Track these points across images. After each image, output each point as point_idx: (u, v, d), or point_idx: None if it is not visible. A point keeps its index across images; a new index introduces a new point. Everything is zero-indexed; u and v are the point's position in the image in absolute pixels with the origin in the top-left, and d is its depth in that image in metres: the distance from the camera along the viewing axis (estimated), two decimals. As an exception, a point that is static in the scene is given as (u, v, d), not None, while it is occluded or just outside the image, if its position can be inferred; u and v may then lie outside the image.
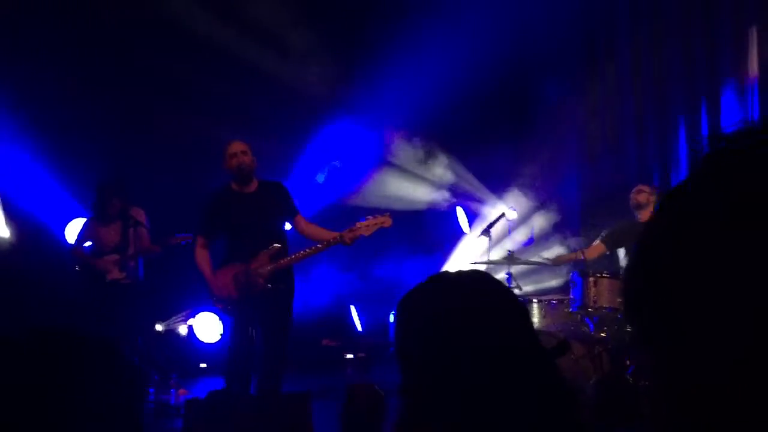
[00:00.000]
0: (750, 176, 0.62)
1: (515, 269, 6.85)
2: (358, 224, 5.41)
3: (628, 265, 0.71)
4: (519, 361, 1.24)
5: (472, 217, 8.87)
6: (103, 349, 1.20)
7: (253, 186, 5.65)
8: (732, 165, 0.65)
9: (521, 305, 1.35)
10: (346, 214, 8.67)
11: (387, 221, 5.44)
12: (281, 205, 5.68)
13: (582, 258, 6.43)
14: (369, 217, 5.46)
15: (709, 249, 0.62)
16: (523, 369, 1.24)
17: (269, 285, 5.39)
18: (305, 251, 5.55)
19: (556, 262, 6.82)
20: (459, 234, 8.88)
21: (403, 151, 9.33)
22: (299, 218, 5.72)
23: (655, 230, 0.68)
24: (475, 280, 1.34)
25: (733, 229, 0.61)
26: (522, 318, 1.31)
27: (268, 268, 5.41)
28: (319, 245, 5.54)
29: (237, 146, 5.63)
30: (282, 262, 5.44)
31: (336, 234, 5.46)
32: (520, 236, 8.37)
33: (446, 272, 1.38)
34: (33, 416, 1.09)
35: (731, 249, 0.61)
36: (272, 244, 5.45)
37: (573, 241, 7.76)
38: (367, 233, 5.39)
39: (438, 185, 9.28)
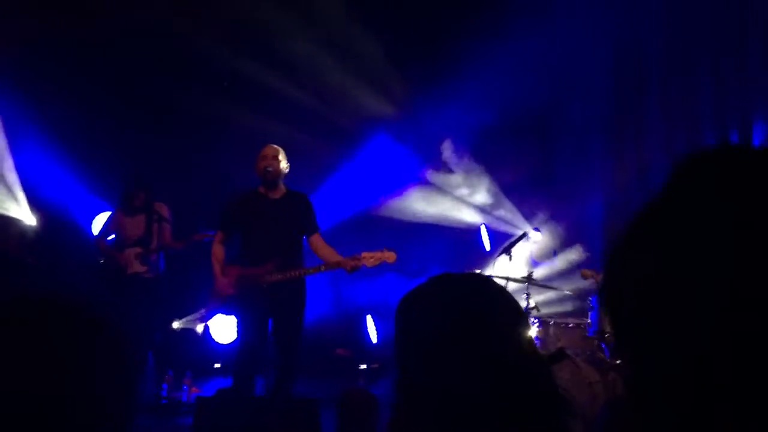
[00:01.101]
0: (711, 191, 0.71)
1: (535, 290, 6.82)
2: (363, 254, 5.47)
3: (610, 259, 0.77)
4: (512, 367, 1.24)
5: (498, 237, 8.84)
6: (97, 321, 1.19)
7: (279, 193, 5.74)
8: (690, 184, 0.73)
9: (519, 311, 1.35)
10: (373, 226, 8.78)
11: (391, 257, 5.50)
12: (302, 217, 5.75)
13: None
14: (376, 250, 5.50)
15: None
16: (516, 375, 1.24)
17: (266, 290, 5.46)
18: (308, 269, 5.64)
19: (585, 275, 6.70)
20: (483, 252, 8.86)
21: (439, 169, 9.37)
22: (317, 236, 5.78)
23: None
24: (474, 284, 1.35)
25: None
26: (519, 324, 1.31)
27: (273, 277, 5.48)
28: (322, 266, 5.64)
29: (269, 150, 5.75)
30: (287, 274, 5.49)
31: (340, 259, 5.53)
32: (541, 258, 8.35)
33: (447, 274, 1.39)
34: (21, 387, 1.08)
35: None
36: (285, 253, 5.51)
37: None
38: (368, 265, 5.45)
39: (468, 204, 9.30)
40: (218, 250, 5.77)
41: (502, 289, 1.38)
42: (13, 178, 8.43)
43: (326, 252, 5.71)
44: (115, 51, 8.46)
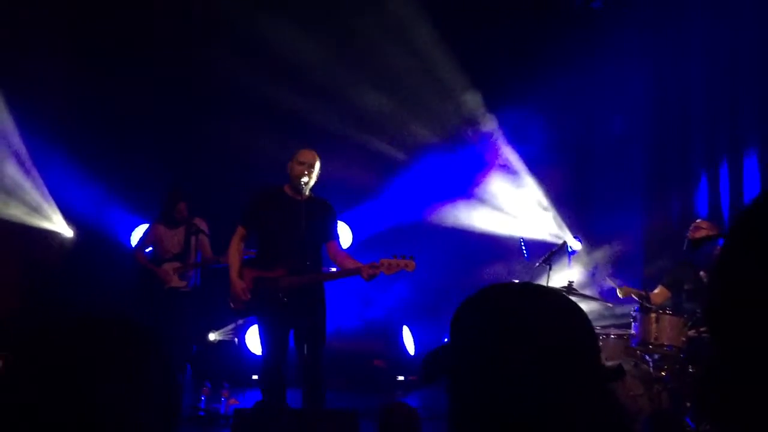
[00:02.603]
0: None
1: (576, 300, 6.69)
2: (381, 261, 5.29)
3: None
4: (572, 384, 1.17)
5: (539, 247, 8.74)
6: (145, 337, 1.19)
7: (305, 196, 5.57)
8: None
9: (586, 324, 1.26)
10: (416, 235, 8.77)
11: (410, 265, 5.30)
12: (324, 223, 5.63)
13: (645, 296, 6.24)
14: (395, 256, 5.33)
15: None
16: (574, 394, 1.16)
17: (285, 299, 5.33)
18: (324, 274, 5.57)
19: (623, 293, 6.57)
20: (524, 261, 8.77)
21: (491, 181, 9.36)
22: (333, 243, 5.65)
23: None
24: (535, 295, 1.27)
25: None
26: (585, 338, 1.23)
27: (289, 281, 5.38)
28: (337, 272, 5.57)
29: (309, 157, 5.58)
30: (301, 278, 5.37)
31: (358, 265, 5.39)
32: (581, 268, 8.24)
33: (508, 284, 1.32)
34: (68, 400, 1.09)
35: None
36: (303, 256, 5.39)
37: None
38: (387, 272, 5.28)
39: (511, 215, 9.26)
40: (236, 249, 5.62)
41: (570, 302, 1.29)
42: (45, 192, 8.51)
43: (343, 259, 5.60)
44: (165, 64, 8.53)
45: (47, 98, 8.21)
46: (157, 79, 8.52)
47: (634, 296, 6.36)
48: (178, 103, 8.66)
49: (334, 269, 5.81)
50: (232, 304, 5.59)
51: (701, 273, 6.21)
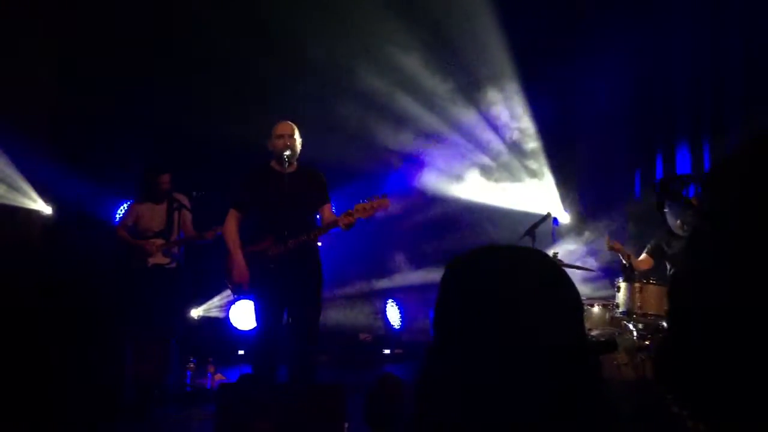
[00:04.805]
0: None
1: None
2: (355, 207, 5.22)
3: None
4: (550, 355, 1.15)
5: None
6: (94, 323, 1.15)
7: (293, 167, 5.54)
8: None
9: (574, 294, 1.24)
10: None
11: (384, 203, 5.23)
12: (316, 191, 5.58)
13: (630, 263, 6.24)
14: (367, 199, 5.25)
15: None
16: (553, 364, 1.14)
17: (272, 266, 5.30)
18: (305, 235, 5.39)
19: (610, 247, 6.49)
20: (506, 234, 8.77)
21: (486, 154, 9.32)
22: (325, 207, 5.59)
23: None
24: (526, 259, 1.25)
25: None
26: (568, 308, 1.21)
27: (275, 250, 5.33)
28: (317, 229, 5.46)
29: (286, 129, 5.55)
30: (287, 244, 5.31)
31: (334, 218, 5.34)
32: (566, 240, 8.26)
33: (506, 246, 1.30)
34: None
35: None
36: (299, 227, 5.36)
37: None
38: (364, 216, 5.19)
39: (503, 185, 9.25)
40: (234, 230, 5.56)
41: (558, 270, 1.27)
42: (18, 170, 8.34)
43: (326, 217, 5.52)
44: (153, 44, 8.38)
45: (22, 75, 8.07)
46: (136, 53, 8.36)
47: (620, 254, 6.32)
48: (157, 78, 8.51)
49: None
50: (229, 285, 5.57)
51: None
